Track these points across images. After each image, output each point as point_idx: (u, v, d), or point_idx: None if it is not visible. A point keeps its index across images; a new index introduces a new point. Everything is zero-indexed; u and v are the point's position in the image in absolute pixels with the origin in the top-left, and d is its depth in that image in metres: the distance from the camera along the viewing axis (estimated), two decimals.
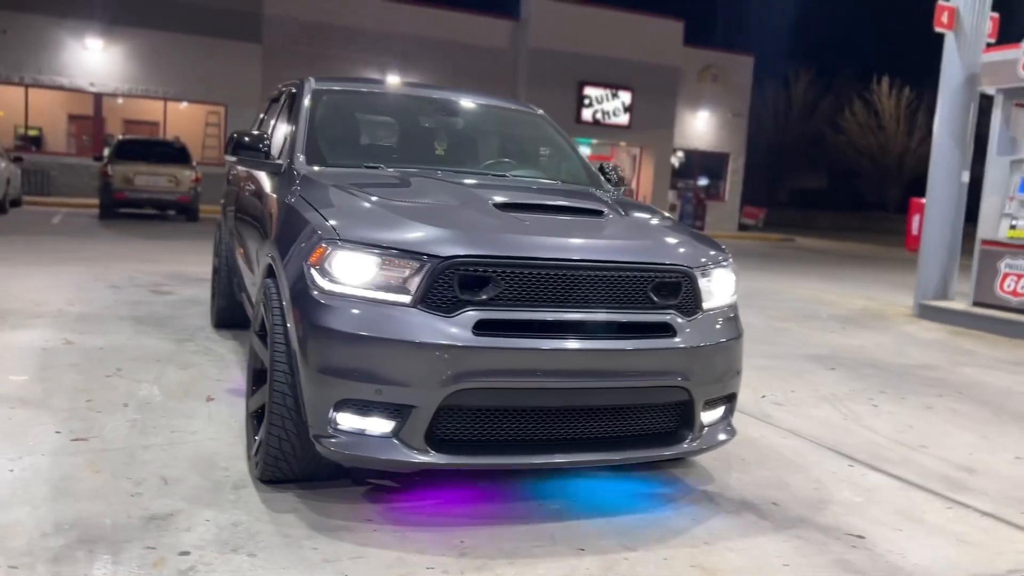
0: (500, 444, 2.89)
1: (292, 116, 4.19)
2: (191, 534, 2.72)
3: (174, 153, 16.37)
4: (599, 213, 3.32)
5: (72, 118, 23.41)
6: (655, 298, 3.04)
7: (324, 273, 2.82)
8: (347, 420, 2.79)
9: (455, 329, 2.74)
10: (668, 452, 3.12)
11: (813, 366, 6.25)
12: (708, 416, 3.23)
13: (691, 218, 28.86)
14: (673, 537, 2.98)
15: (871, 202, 46.67)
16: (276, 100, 5.08)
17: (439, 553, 2.71)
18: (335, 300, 2.79)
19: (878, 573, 2.82)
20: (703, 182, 30.42)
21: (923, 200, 9.97)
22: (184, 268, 9.26)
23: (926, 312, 9.32)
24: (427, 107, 4.55)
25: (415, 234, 2.85)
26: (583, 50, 25.78)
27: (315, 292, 2.82)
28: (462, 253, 2.78)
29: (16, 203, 16.94)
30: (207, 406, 4.15)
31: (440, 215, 3.03)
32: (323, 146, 3.95)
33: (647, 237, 3.23)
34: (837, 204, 45.88)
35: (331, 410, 2.78)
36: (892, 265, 18.59)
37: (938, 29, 9.38)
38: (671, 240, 3.26)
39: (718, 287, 3.29)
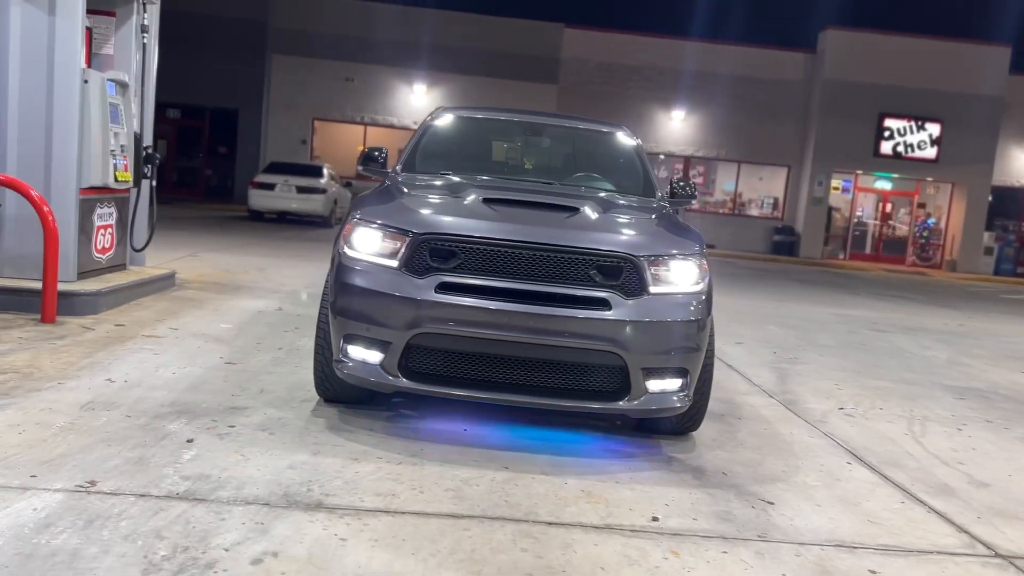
0: (458, 380, 3.75)
1: (415, 136, 5.37)
2: (247, 419, 3.93)
3: None
4: (574, 210, 4.04)
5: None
6: (597, 278, 3.71)
7: (348, 243, 3.90)
8: (353, 351, 3.83)
9: (422, 287, 3.67)
10: (604, 406, 3.74)
11: (942, 393, 6.10)
12: (655, 384, 3.78)
13: (1012, 262, 25.95)
14: (592, 474, 3.62)
15: None
16: None
17: (396, 452, 3.64)
18: (351, 263, 3.86)
19: (748, 524, 3.23)
20: None
21: None
22: None
23: None
24: (516, 128, 5.49)
25: (408, 218, 3.84)
26: (884, 80, 24.57)
27: (342, 257, 3.91)
28: (433, 231, 3.72)
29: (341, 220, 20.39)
30: None
31: (437, 206, 3.99)
32: (419, 158, 5.08)
33: (602, 230, 3.88)
34: None
35: (342, 342, 3.85)
36: None
37: None
38: (625, 234, 3.89)
39: (676, 276, 3.84)
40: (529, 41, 24.66)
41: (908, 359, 7.46)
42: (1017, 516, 3.62)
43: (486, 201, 4.04)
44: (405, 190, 4.30)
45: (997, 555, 3.16)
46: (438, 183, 4.56)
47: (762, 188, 26.54)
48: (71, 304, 5.82)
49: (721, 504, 3.41)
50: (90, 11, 6.69)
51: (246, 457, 3.42)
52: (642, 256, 3.76)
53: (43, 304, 5.52)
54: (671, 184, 5.19)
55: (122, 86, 6.62)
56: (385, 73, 24.34)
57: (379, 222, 3.85)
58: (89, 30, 6.68)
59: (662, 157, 25.62)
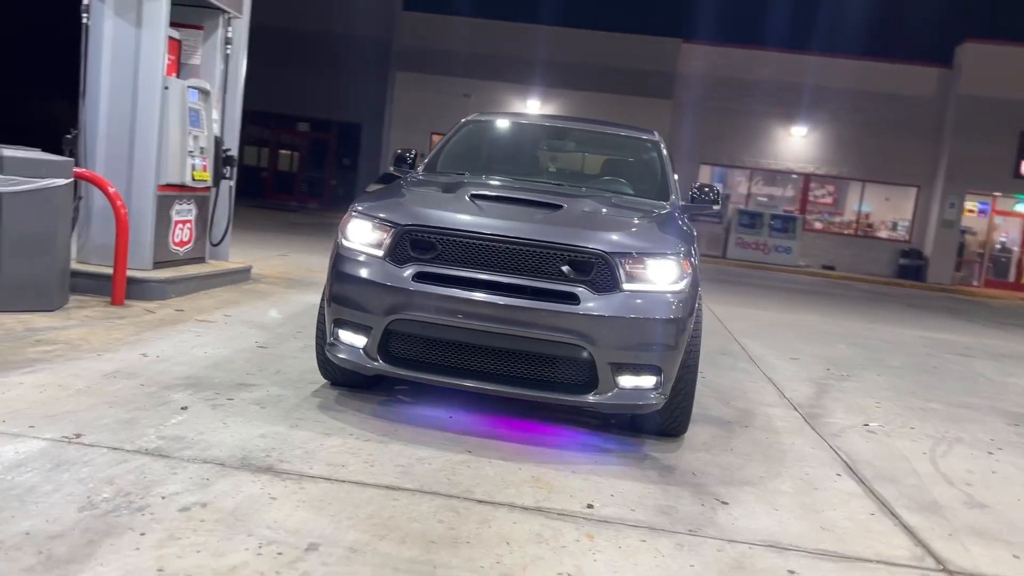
0: (433, 366, 3.91)
1: (443, 139, 5.60)
2: (248, 394, 4.24)
3: None
4: (558, 207, 4.13)
5: None
6: (568, 272, 3.80)
7: (343, 234, 4.15)
8: (343, 335, 4.07)
9: (401, 276, 3.87)
10: (572, 398, 3.81)
11: (994, 418, 5.75)
12: (628, 380, 3.83)
13: None
14: (552, 463, 3.70)
15: None
16: None
17: (370, 430, 3.85)
18: (345, 252, 4.10)
19: (686, 520, 3.23)
20: None
21: None
22: None
23: None
24: (542, 132, 5.62)
25: (395, 210, 4.05)
26: None
27: (338, 247, 4.17)
28: (414, 223, 3.91)
29: None
30: None
31: (426, 200, 4.19)
32: (443, 159, 5.30)
33: (579, 226, 3.95)
34: None
35: (333, 326, 4.10)
36: None
37: None
38: (603, 231, 3.94)
39: (654, 274, 3.88)
40: (644, 56, 24.60)
41: (978, 384, 7.04)
42: (997, 538, 3.44)
43: (474, 197, 4.21)
44: (407, 186, 4.52)
45: (945, 570, 3.04)
46: (444, 181, 4.75)
47: (888, 209, 25.34)
48: (142, 290, 6.37)
49: (670, 500, 3.42)
50: (180, 24, 7.34)
51: (227, 425, 3.70)
52: (615, 253, 3.82)
53: (113, 288, 6.08)
54: (691, 190, 5.19)
55: (204, 93, 7.19)
56: (501, 89, 24.86)
57: (370, 214, 4.08)
58: (179, 42, 7.30)
59: (779, 175, 24.94)
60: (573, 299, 3.76)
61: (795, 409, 5.32)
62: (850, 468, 4.17)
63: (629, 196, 4.95)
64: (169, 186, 6.85)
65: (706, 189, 5.24)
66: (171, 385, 4.22)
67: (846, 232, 25.30)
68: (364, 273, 3.96)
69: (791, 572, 2.87)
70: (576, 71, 24.51)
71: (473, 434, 3.99)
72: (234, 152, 7.73)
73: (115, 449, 3.26)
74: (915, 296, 18.64)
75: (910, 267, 24.30)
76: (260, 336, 5.64)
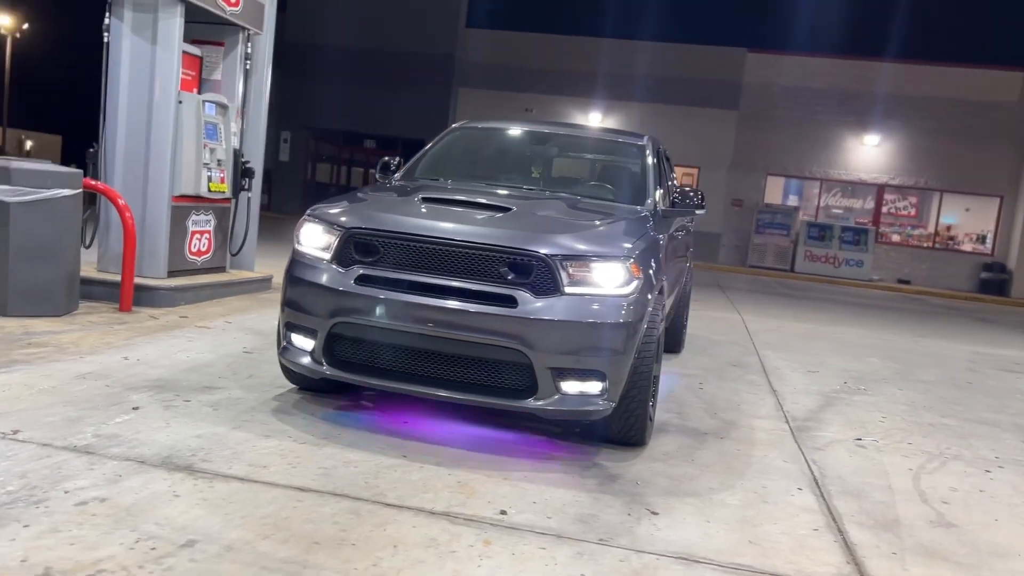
0: (376, 370, 3.89)
1: (427, 145, 5.60)
2: (208, 396, 4.30)
3: None
4: (506, 209, 4.06)
5: None
6: (507, 275, 3.73)
7: (297, 238, 4.18)
8: (294, 338, 4.09)
9: (344, 279, 3.87)
10: (513, 403, 3.73)
11: (1011, 436, 5.37)
12: (572, 385, 3.73)
13: None
14: (487, 469, 3.62)
15: None
16: None
17: (311, 433, 3.85)
18: (297, 256, 4.13)
19: (602, 529, 3.11)
20: None
21: None
22: None
23: None
24: (524, 137, 5.55)
25: (344, 215, 4.05)
26: None
27: (293, 252, 4.20)
28: (357, 226, 3.91)
29: None
30: None
31: (375, 204, 4.18)
32: (423, 165, 5.30)
33: (520, 229, 3.87)
34: None
35: (285, 330, 4.13)
36: None
37: None
38: (545, 233, 3.85)
39: (598, 277, 3.77)
40: (709, 67, 24.20)
41: (1010, 401, 6.60)
42: (948, 558, 3.20)
43: (425, 200, 4.19)
44: (368, 192, 4.53)
45: None
46: (408, 186, 4.75)
47: (969, 220, 24.18)
48: (151, 297, 6.57)
49: (596, 509, 3.31)
50: (202, 41, 7.58)
51: (168, 425, 3.76)
52: (556, 255, 3.73)
53: (121, 295, 6.28)
54: (673, 193, 5.05)
55: (222, 107, 7.40)
56: (562, 103, 24.84)
57: (320, 218, 4.10)
58: (200, 58, 7.54)
59: (851, 186, 24.13)
60: (511, 302, 3.69)
61: (786, 422, 5.09)
62: (816, 483, 3.96)
63: (599, 200, 4.83)
64: (184, 197, 7.05)
65: (689, 192, 5.09)
66: (136, 387, 4.32)
67: (924, 245, 24.25)
68: (311, 276, 3.98)
69: (631, 574, 2.73)
70: (638, 83, 24.28)
71: (419, 439, 3.95)
72: (254, 164, 7.91)
73: (44, 445, 3.34)
74: (991, 311, 17.68)
75: (992, 281, 23.10)
76: (252, 342, 5.73)
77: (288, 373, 4.45)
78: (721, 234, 24.54)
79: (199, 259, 7.42)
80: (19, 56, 40.29)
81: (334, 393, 4.52)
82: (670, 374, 6.18)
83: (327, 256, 3.98)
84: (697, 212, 5.18)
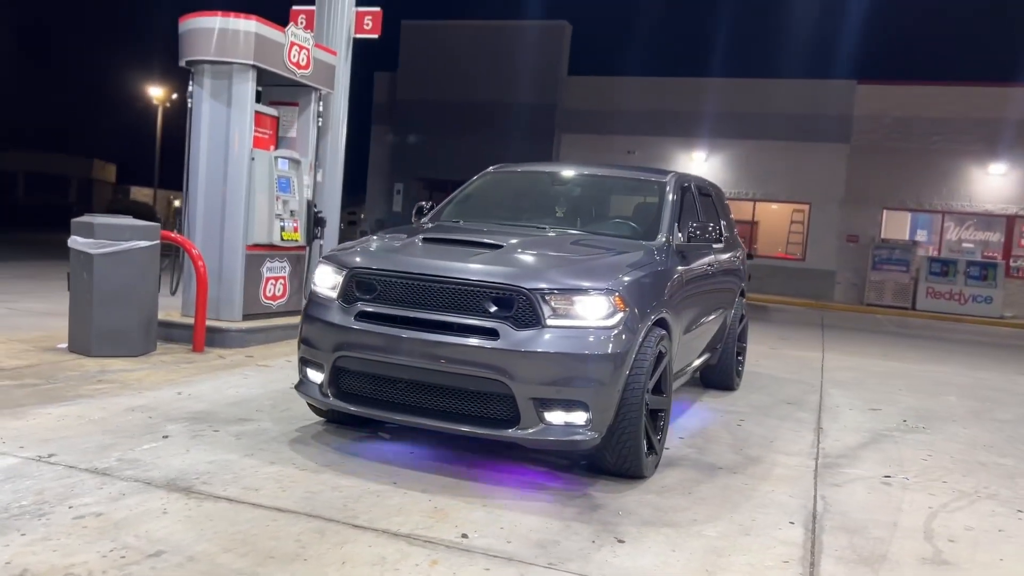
0: (374, 401, 4.12)
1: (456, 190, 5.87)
2: (238, 427, 4.63)
3: None
4: (498, 247, 4.24)
5: None
6: (491, 308, 3.90)
7: (313, 280, 4.50)
8: (309, 373, 4.39)
9: (346, 316, 4.14)
10: (496, 433, 3.86)
11: None
12: (557, 416, 3.84)
13: None
14: (470, 496, 3.75)
15: None
16: None
17: (315, 461, 4.10)
18: (312, 295, 4.45)
19: (558, 555, 3.19)
20: None
21: None
22: None
23: None
24: (548, 179, 5.71)
25: (349, 256, 4.34)
26: None
27: (310, 291, 4.52)
28: (358, 266, 4.19)
29: None
30: None
31: (381, 246, 4.44)
32: (449, 208, 5.56)
33: (505, 264, 4.02)
34: None
35: (301, 365, 4.43)
36: None
37: None
38: (529, 268, 4.00)
39: (581, 310, 3.89)
40: (816, 101, 23.63)
41: None
42: None
43: (426, 240, 4.42)
44: (382, 234, 4.82)
45: None
46: (422, 228, 5.00)
47: None
48: (224, 338, 7.09)
49: (562, 536, 3.38)
50: (278, 102, 8.20)
51: (188, 451, 4.11)
52: (537, 289, 3.87)
53: (194, 337, 6.82)
54: (689, 228, 5.10)
55: (294, 162, 7.96)
56: (665, 144, 24.80)
57: (331, 260, 4.41)
58: (276, 118, 8.15)
59: (975, 217, 22.83)
60: (493, 335, 3.85)
61: (815, 459, 4.96)
62: (813, 517, 3.87)
63: (609, 236, 4.93)
64: (258, 246, 7.59)
65: (709, 227, 5.11)
66: (176, 418, 4.72)
67: None
68: (321, 314, 4.28)
69: None
70: (743, 120, 23.99)
71: (416, 468, 4.13)
72: (325, 214, 8.41)
73: (70, 467, 3.74)
74: None
75: None
76: None
77: (311, 407, 4.74)
78: (835, 271, 23.69)
79: (274, 303, 7.93)
80: (168, 123, 43.78)
81: (355, 425, 4.77)
82: (713, 411, 6.13)
83: (335, 295, 4.27)
84: (714, 246, 5.18)
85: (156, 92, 43.97)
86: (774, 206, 24.76)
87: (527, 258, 4.21)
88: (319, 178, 8.57)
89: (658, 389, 4.42)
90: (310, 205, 8.19)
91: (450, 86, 26.18)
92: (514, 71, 25.56)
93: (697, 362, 5.98)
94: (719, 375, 6.75)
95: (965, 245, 23.20)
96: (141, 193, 44.30)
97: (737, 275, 6.84)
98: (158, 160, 45.77)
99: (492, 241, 4.36)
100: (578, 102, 25.78)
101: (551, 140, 25.75)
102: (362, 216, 29.41)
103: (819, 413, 6.36)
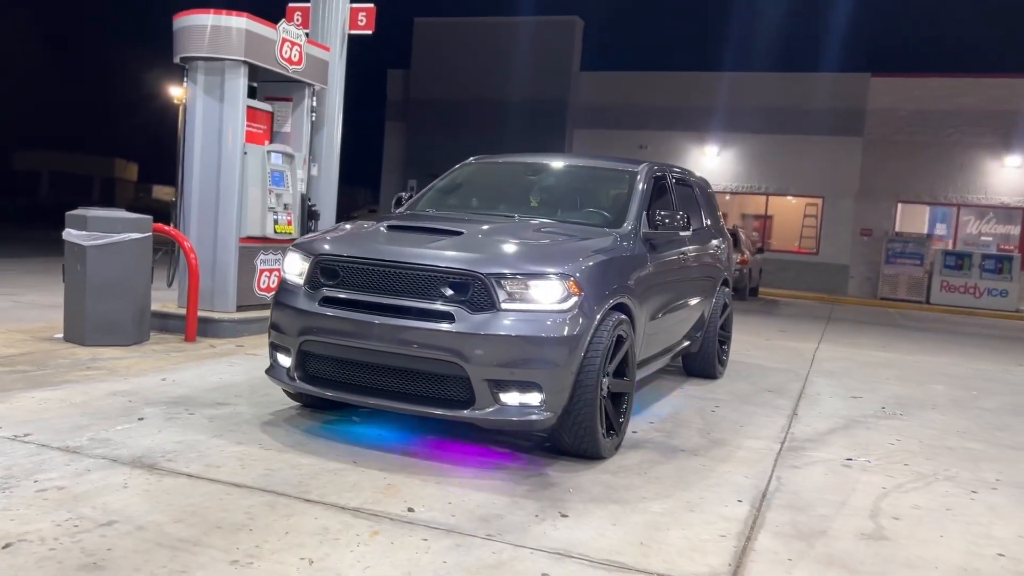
0: (337, 383, 4.25)
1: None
2: (213, 410, 4.78)
3: None
4: (457, 233, 4.35)
5: None
6: (447, 293, 4.01)
7: (283, 267, 4.64)
8: (278, 357, 4.53)
9: (311, 302, 4.27)
10: (452, 413, 3.97)
11: None
12: (512, 397, 3.95)
13: None
14: (424, 474, 3.87)
15: None
16: None
17: (281, 442, 4.23)
18: (282, 282, 4.59)
19: (500, 527, 3.30)
20: None
21: None
22: None
23: None
24: (522, 170, 5.81)
25: (316, 243, 4.48)
26: None
27: (280, 278, 4.66)
28: (321, 253, 4.32)
29: None
30: None
31: (347, 234, 4.57)
32: (426, 199, 5.68)
33: (461, 250, 4.13)
34: None
35: (271, 350, 4.57)
36: None
37: None
38: (484, 253, 4.10)
39: (536, 294, 3.99)
40: (830, 94, 23.48)
41: None
42: (847, 567, 3.16)
43: (390, 228, 4.55)
44: (352, 223, 4.94)
45: None
46: (391, 217, 5.12)
47: None
48: (217, 328, 7.26)
49: (507, 511, 3.49)
50: (273, 97, 8.36)
51: (159, 432, 4.26)
52: (491, 274, 3.98)
53: (186, 327, 7.00)
54: (657, 216, 5.18)
55: (288, 156, 8.11)
56: (677, 138, 24.78)
57: (299, 248, 4.54)
58: (271, 113, 8.31)
59: (989, 209, 22.62)
60: (449, 318, 3.96)
61: (781, 443, 5.03)
62: (764, 496, 3.95)
63: (575, 224, 5.02)
64: (251, 239, 7.75)
65: (677, 216, 5.19)
66: (155, 402, 4.88)
67: None
68: (288, 300, 4.41)
69: (544, 573, 2.87)
70: (755, 114, 23.92)
71: (381, 449, 4.25)
72: (320, 207, 8.57)
73: (42, 446, 3.90)
74: None
75: None
76: None
77: (286, 392, 4.88)
78: (848, 266, 23.56)
79: (268, 295, 8.07)
80: None
81: (328, 409, 4.90)
82: (690, 397, 6.20)
83: (301, 281, 4.40)
84: (681, 234, 5.26)
85: (176, 91, 44.55)
86: (788, 200, 24.66)
87: (484, 244, 4.32)
88: (314, 172, 8.73)
89: (621, 373, 4.51)
90: (304, 199, 8.34)
91: (463, 83, 26.31)
92: (526, 67, 25.63)
93: (675, 349, 6.06)
94: (700, 363, 6.82)
95: (982, 239, 23.00)
96: (163, 191, 44.88)
97: (718, 264, 6.90)
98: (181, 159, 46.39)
99: (453, 228, 4.47)
100: (590, 97, 25.81)
101: (563, 136, 25.80)
102: (378, 212, 29.63)
103: (798, 400, 6.41)
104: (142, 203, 38.20)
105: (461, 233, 4.40)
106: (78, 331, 6.49)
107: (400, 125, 27.99)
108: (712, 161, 24.60)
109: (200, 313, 7.25)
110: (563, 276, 4.04)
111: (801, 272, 23.75)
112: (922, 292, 22.29)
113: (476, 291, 3.98)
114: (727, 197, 25.15)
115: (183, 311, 7.38)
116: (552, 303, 4.00)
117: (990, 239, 23.03)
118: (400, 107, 28.01)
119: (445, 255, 4.09)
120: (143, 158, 48.51)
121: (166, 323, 7.37)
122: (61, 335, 6.67)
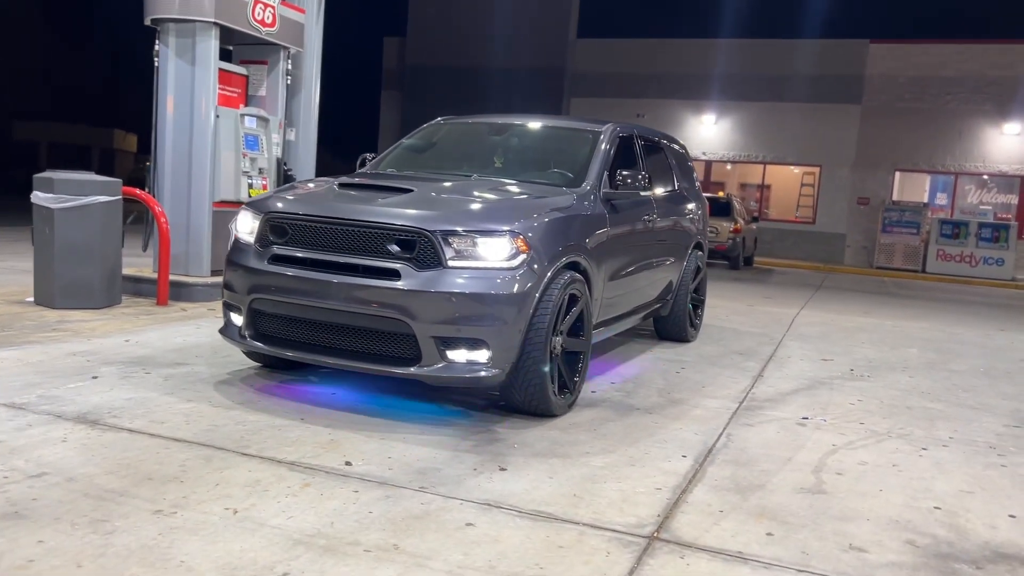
0: (287, 341, 4.25)
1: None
2: (171, 371, 4.79)
3: (719, 207, 18.25)
4: (408, 191, 4.32)
5: None
6: (394, 250, 3.99)
7: (234, 226, 4.62)
8: (231, 316, 4.52)
9: (260, 260, 4.26)
10: (399, 370, 3.98)
11: (993, 420, 5.04)
12: (459, 354, 3.94)
13: None
14: (366, 430, 3.88)
15: None
16: None
17: (232, 399, 4.25)
18: (233, 241, 4.57)
19: (435, 480, 3.31)
20: None
21: None
22: None
23: None
24: (486, 129, 5.77)
25: (266, 201, 4.45)
26: None
27: (232, 237, 4.64)
28: (271, 210, 4.30)
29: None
30: None
31: (298, 193, 4.54)
32: (388, 159, 5.64)
33: (409, 207, 4.11)
34: None
35: (224, 309, 4.57)
36: None
37: None
38: (432, 211, 4.08)
39: (483, 251, 3.97)
40: (828, 61, 23.26)
41: None
42: (776, 518, 3.17)
43: (341, 186, 4.52)
44: (308, 182, 4.92)
45: (654, 538, 2.89)
46: (347, 176, 5.09)
47: None
48: (190, 293, 7.27)
49: (446, 465, 3.49)
50: (248, 61, 8.30)
51: (111, 390, 4.27)
52: (438, 231, 3.96)
53: (158, 291, 7.00)
54: (617, 176, 5.14)
55: (263, 120, 8.07)
56: (674, 106, 24.61)
57: (251, 206, 4.52)
58: (246, 77, 8.25)
59: (987, 177, 22.46)
60: (395, 275, 3.95)
61: (740, 403, 5.03)
62: (709, 452, 3.96)
63: (535, 184, 4.98)
64: (225, 203, 7.72)
65: (639, 176, 5.16)
66: (113, 362, 4.89)
67: None
68: (239, 258, 4.40)
69: (468, 523, 2.88)
70: (753, 82, 23.73)
71: (330, 407, 4.26)
72: (297, 172, 8.53)
73: None
74: None
75: None
76: None
77: (245, 352, 4.88)
78: (845, 234, 23.48)
79: None
80: None
81: (286, 369, 4.91)
82: (658, 359, 6.20)
83: (251, 239, 4.39)
84: (641, 194, 5.23)
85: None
86: (785, 169, 24.52)
87: (432, 201, 4.29)
88: (291, 137, 8.68)
89: (577, 332, 4.50)
90: (279, 163, 8.31)
91: (459, 50, 26.09)
92: (523, 34, 25.42)
93: (643, 311, 6.05)
94: (671, 326, 6.81)
95: (980, 207, 22.86)
96: None
97: (692, 228, 6.86)
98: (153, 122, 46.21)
99: (403, 186, 4.45)
100: (587, 65, 25.61)
101: (560, 104, 25.62)
102: None
103: (767, 363, 6.40)
104: (141, 173, 38.11)
105: (411, 191, 4.37)
106: (47, 294, 6.50)
107: (396, 94, 27.83)
108: (709, 130, 24.47)
109: (173, 277, 7.26)
110: (511, 234, 4.02)
111: (798, 241, 23.68)
112: (918, 261, 22.22)
113: (422, 248, 3.96)
114: (728, 167, 25.04)
115: (156, 275, 7.38)
116: (499, 260, 3.98)
117: (988, 208, 22.90)
118: (396, 75, 27.83)
119: (391, 212, 4.07)
120: (142, 129, 48.35)
121: (139, 287, 7.37)
122: (32, 298, 6.67)
